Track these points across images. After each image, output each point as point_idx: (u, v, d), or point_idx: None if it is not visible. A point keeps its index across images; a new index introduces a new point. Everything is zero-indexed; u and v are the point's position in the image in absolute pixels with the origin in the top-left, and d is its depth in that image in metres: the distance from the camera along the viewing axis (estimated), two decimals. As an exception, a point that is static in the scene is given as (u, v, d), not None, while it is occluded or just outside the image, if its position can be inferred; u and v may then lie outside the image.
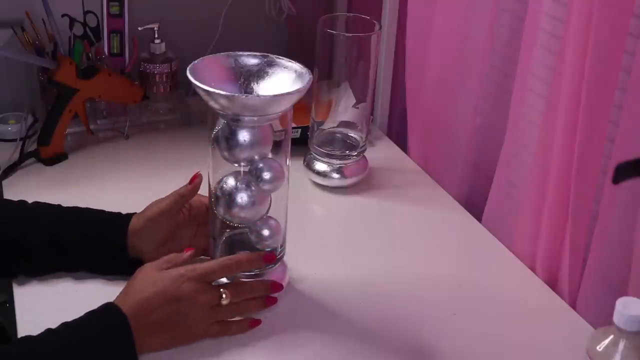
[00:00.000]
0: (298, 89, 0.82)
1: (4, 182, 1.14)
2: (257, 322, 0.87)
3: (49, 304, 0.90)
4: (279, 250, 0.92)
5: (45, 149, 1.19)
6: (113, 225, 0.91)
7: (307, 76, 0.84)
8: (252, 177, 0.86)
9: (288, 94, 0.81)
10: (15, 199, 0.95)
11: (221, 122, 0.85)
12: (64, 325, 0.77)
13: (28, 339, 0.76)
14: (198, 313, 0.83)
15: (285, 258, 0.94)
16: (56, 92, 1.20)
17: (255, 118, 0.83)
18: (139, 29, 1.27)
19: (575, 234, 0.92)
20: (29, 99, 1.33)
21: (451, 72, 1.18)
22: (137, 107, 1.32)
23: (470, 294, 0.97)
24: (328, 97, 1.19)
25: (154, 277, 0.82)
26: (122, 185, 1.15)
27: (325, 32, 1.12)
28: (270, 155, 0.88)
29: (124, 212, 0.94)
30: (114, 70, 1.26)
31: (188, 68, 0.82)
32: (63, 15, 1.22)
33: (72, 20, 1.23)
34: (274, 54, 0.88)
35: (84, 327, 0.77)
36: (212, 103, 0.82)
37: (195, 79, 0.80)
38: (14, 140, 1.24)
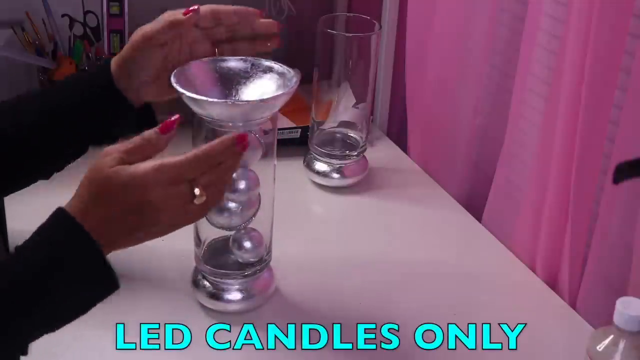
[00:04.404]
0: (276, 95, 0.79)
1: (4, 182, 1.14)
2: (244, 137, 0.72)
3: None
4: (264, 257, 0.90)
5: (45, 149, 1.19)
6: (97, 73, 0.84)
7: (293, 79, 0.81)
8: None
9: (266, 100, 0.78)
10: (15, 198, 0.95)
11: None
12: (16, 249, 0.68)
13: None
14: (171, 216, 0.70)
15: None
16: (56, 92, 1.19)
17: (240, 124, 0.80)
18: (139, 29, 1.27)
19: (575, 234, 0.92)
20: (29, 99, 1.33)
21: (451, 72, 1.18)
22: (137, 107, 1.32)
23: (470, 294, 0.97)
24: (328, 97, 1.19)
25: (112, 185, 0.71)
26: (122, 185, 1.15)
27: (325, 32, 1.12)
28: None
29: None
30: (114, 70, 1.25)
31: (173, 73, 0.79)
32: (63, 15, 1.22)
33: (72, 20, 1.23)
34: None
35: (37, 244, 0.68)
36: (195, 108, 0.79)
37: (183, 84, 0.78)
38: (14, 140, 1.24)
